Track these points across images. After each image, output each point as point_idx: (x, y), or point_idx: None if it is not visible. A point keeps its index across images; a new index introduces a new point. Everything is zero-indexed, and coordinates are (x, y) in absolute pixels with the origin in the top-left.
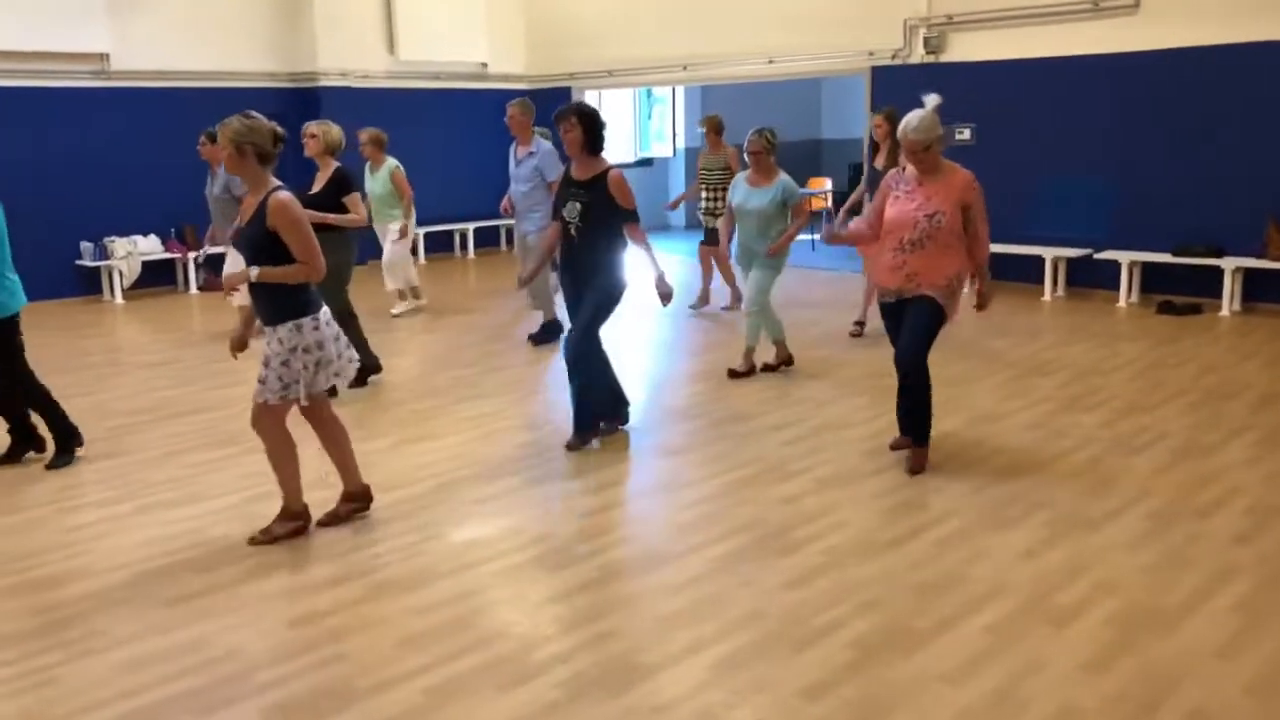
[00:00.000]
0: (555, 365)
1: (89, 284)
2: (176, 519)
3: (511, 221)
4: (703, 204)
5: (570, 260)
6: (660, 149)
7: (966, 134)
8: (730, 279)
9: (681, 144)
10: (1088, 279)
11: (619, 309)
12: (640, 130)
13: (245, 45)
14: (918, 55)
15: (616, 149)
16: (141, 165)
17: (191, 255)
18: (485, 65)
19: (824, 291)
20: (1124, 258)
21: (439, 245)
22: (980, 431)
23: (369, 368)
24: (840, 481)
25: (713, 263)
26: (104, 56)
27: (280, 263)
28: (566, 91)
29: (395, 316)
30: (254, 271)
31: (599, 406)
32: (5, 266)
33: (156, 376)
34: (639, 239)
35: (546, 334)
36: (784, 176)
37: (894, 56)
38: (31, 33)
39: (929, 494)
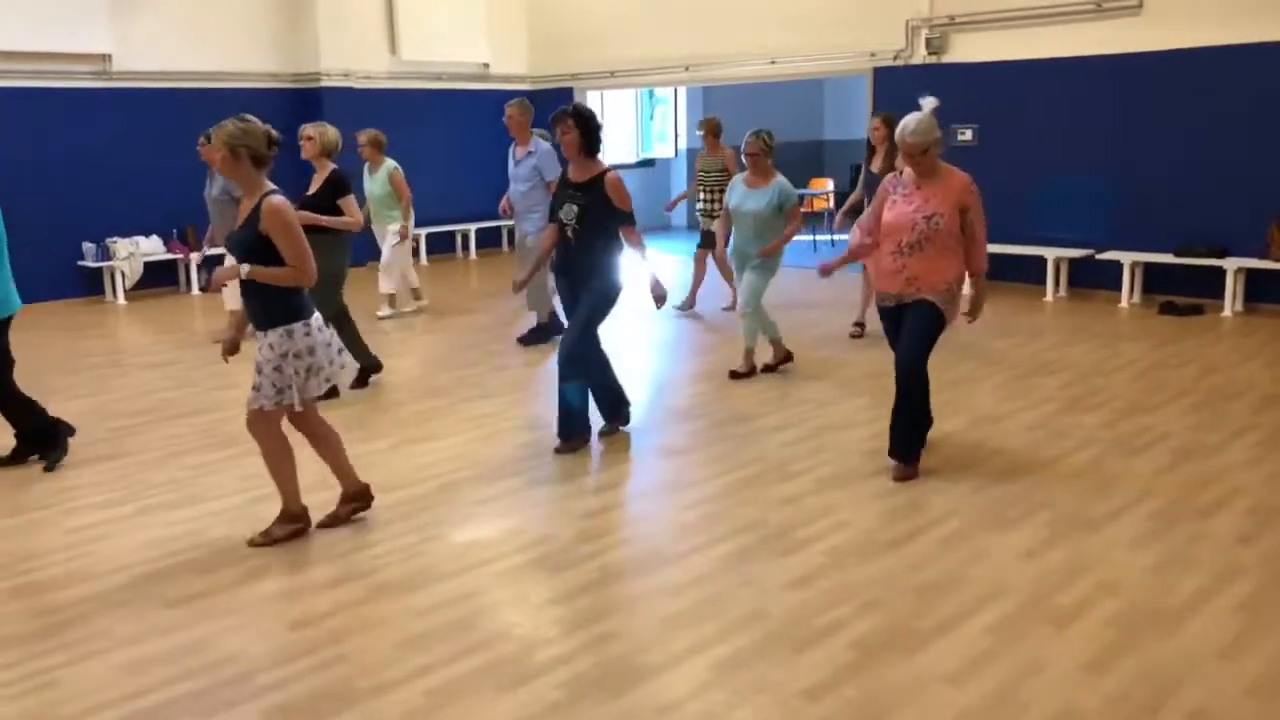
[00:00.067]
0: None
1: (91, 285)
2: (177, 520)
3: (512, 222)
4: (699, 205)
5: (566, 262)
6: (662, 150)
7: (969, 135)
8: (730, 279)
9: (683, 145)
10: (1089, 279)
11: (615, 310)
12: (642, 131)
13: (247, 46)
14: (920, 56)
15: (618, 150)
16: (143, 166)
17: (193, 256)
18: (487, 66)
19: (824, 292)
20: (1126, 258)
21: (441, 246)
22: (981, 432)
23: (369, 368)
24: (841, 482)
25: (706, 266)
26: (106, 57)
27: (271, 266)
28: (568, 92)
29: (380, 319)
30: (244, 268)
31: (602, 407)
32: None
33: (158, 377)
34: (635, 241)
35: (536, 335)
36: (780, 179)
37: (896, 57)
38: (33, 33)
39: (930, 494)
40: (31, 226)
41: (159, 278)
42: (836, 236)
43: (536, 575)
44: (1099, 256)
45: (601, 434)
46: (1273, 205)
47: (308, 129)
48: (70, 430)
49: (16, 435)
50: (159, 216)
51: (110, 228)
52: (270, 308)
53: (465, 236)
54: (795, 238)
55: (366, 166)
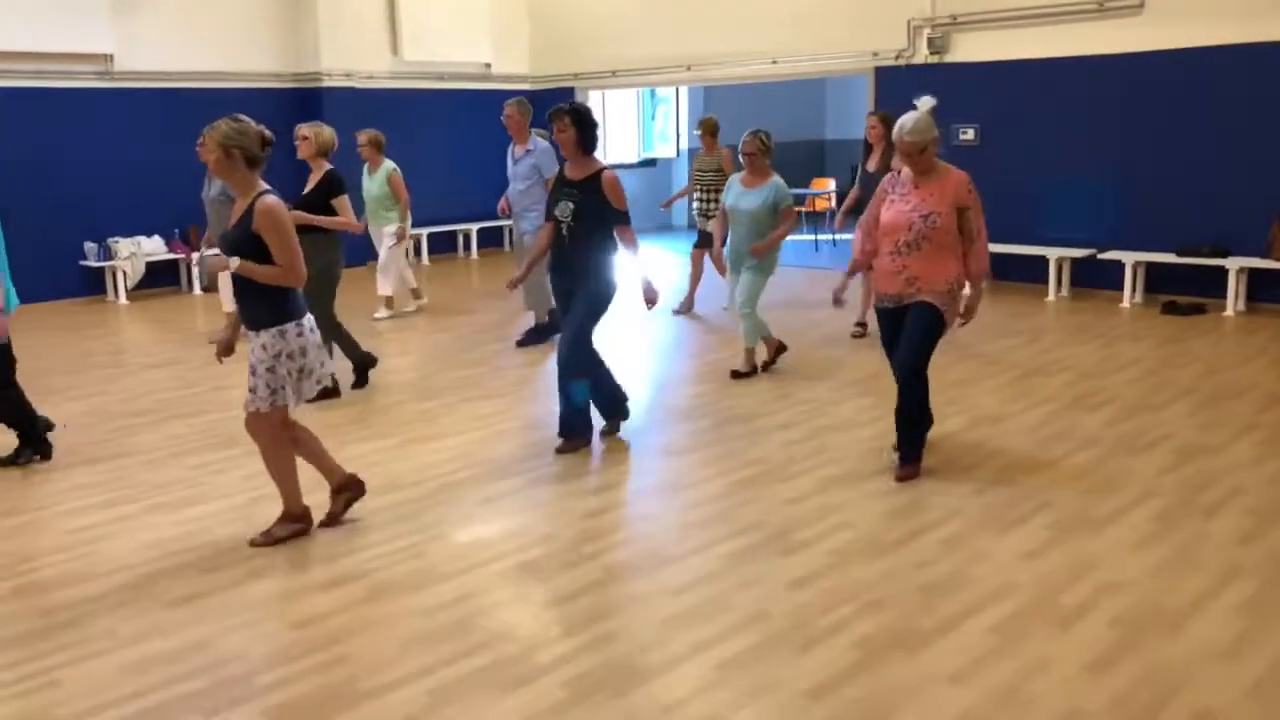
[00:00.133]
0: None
1: (93, 284)
2: (179, 520)
3: (512, 222)
4: (695, 205)
5: (562, 260)
6: (664, 149)
7: (970, 134)
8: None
9: (685, 144)
10: (1092, 279)
11: (610, 310)
12: (644, 131)
13: (249, 46)
14: (921, 55)
15: (620, 149)
16: (145, 166)
17: (194, 255)
18: (489, 66)
19: (825, 292)
20: (1128, 258)
21: (442, 245)
22: (983, 432)
23: (364, 364)
24: (844, 482)
25: (704, 266)
26: (108, 57)
27: (263, 265)
28: (570, 92)
29: (375, 320)
30: (234, 262)
31: (601, 407)
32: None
33: (159, 377)
34: (629, 241)
35: (534, 336)
36: (776, 179)
37: (898, 57)
38: (35, 33)
39: (933, 494)
40: (33, 226)
41: (161, 278)
42: (838, 236)
43: (538, 575)
44: (1101, 256)
45: (603, 434)
46: (1275, 205)
47: (303, 129)
48: (49, 425)
49: (19, 436)
50: (161, 216)
51: (112, 227)
52: (263, 308)
53: (467, 236)
54: (795, 237)
55: (365, 167)
